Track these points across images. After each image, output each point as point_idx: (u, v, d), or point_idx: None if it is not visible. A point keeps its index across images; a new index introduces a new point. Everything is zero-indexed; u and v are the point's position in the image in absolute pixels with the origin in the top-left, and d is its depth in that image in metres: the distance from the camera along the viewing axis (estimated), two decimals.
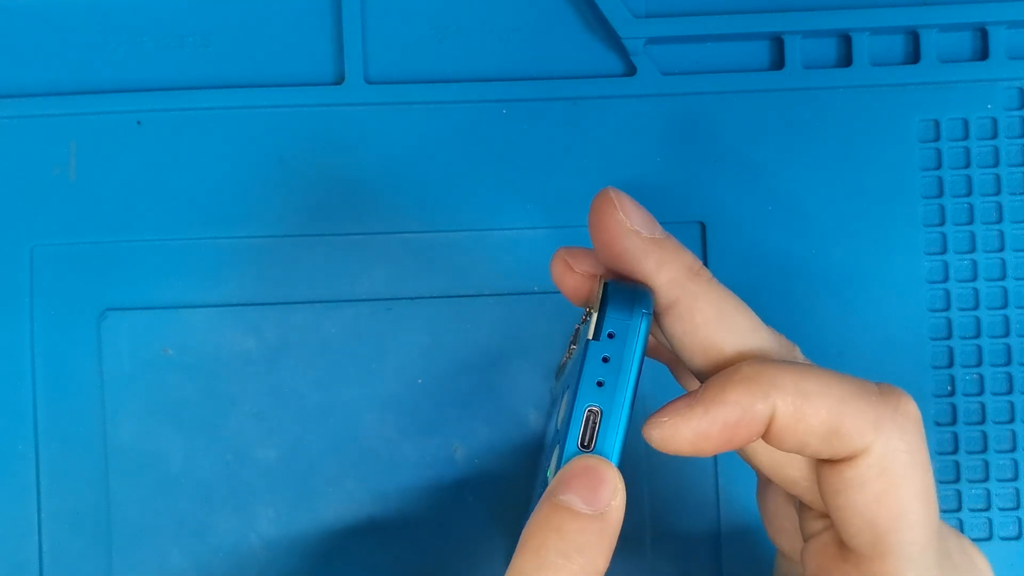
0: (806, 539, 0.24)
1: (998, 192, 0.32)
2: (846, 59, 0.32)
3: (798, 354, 0.24)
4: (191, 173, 0.32)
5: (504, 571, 0.21)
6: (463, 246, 0.32)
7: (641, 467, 0.31)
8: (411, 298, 0.32)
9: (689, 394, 0.21)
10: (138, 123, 0.32)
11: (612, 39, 0.32)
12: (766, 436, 0.21)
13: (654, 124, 0.32)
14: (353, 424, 0.32)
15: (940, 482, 0.32)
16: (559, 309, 0.31)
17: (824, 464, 0.22)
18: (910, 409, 0.21)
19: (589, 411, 0.21)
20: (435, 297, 0.32)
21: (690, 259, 0.22)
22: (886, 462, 0.21)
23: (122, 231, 0.32)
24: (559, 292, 0.24)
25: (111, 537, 0.31)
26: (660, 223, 0.22)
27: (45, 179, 0.32)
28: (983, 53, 0.32)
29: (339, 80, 0.32)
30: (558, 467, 0.21)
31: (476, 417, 0.32)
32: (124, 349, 0.31)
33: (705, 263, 0.32)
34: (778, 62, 0.33)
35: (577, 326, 0.24)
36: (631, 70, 0.32)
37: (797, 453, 0.22)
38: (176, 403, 0.31)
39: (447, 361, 0.32)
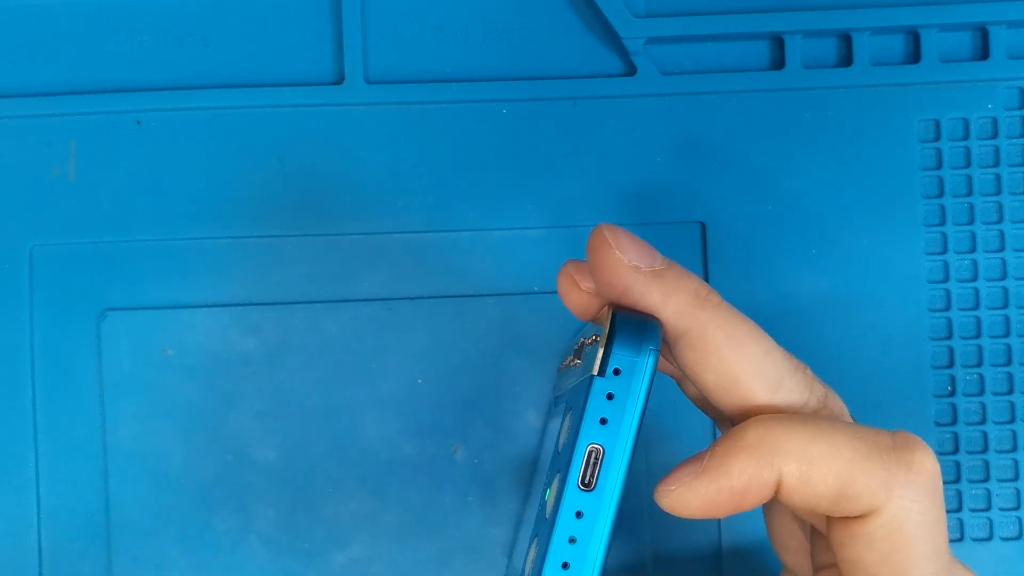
0: (816, 569, 0.24)
1: (998, 192, 0.32)
2: (846, 59, 0.32)
3: (808, 373, 0.23)
4: (191, 173, 0.32)
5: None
6: (463, 246, 0.32)
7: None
8: (411, 298, 0.32)
9: (695, 458, 0.21)
10: (138, 123, 0.32)
11: (612, 39, 0.32)
12: (776, 497, 0.21)
13: (654, 124, 0.32)
14: (353, 424, 0.32)
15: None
16: (559, 309, 0.31)
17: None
18: (925, 464, 0.21)
19: (591, 448, 0.21)
20: (435, 297, 0.32)
21: (695, 284, 0.22)
22: (897, 522, 0.20)
23: (122, 231, 0.32)
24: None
25: (111, 537, 0.31)
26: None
27: (45, 179, 0.32)
28: (983, 53, 0.32)
29: (339, 80, 0.32)
30: (557, 502, 0.21)
31: (476, 417, 0.32)
32: (124, 349, 0.31)
33: (705, 263, 0.32)
34: (778, 62, 0.33)
35: (583, 340, 0.24)
36: (631, 70, 0.32)
37: (809, 511, 0.21)
38: (176, 403, 0.31)
39: (447, 361, 0.32)
